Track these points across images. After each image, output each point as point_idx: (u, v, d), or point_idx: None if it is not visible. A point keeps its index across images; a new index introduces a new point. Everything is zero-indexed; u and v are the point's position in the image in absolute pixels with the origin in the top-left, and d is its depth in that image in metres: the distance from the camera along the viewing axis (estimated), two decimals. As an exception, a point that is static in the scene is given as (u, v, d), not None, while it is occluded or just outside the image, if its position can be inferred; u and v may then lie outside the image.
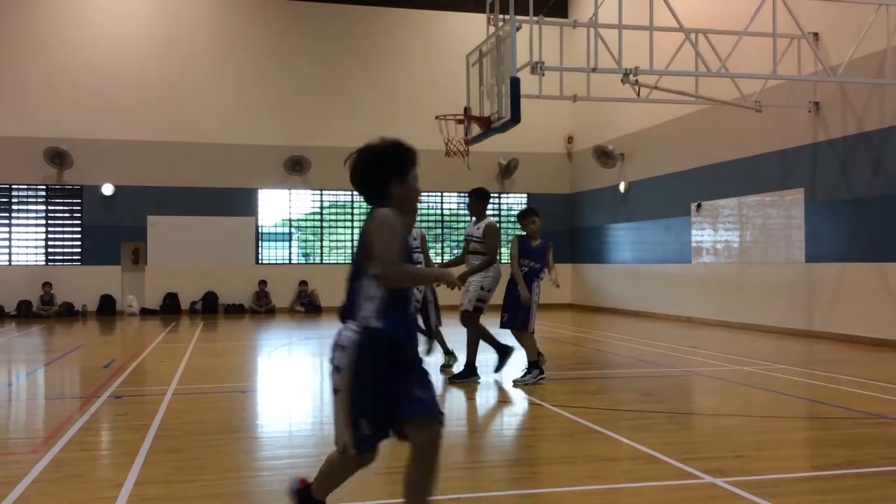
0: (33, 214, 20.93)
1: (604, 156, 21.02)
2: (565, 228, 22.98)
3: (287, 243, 22.75)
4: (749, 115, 14.69)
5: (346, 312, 3.59)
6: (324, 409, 7.94)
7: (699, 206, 17.56)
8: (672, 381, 9.37)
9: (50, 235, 20.93)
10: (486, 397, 8.45)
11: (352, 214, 22.81)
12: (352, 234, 22.71)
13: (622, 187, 20.74)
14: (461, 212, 23.97)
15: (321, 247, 22.85)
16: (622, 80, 12.60)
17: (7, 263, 20.57)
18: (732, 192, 16.40)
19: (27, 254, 20.80)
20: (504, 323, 8.67)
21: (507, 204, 24.03)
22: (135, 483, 4.87)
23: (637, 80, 12.86)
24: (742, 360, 10.73)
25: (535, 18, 12.21)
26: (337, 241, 22.94)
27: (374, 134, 16.58)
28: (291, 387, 9.32)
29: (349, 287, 3.62)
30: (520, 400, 8.12)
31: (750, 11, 12.95)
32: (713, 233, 17.18)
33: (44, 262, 20.75)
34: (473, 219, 8.92)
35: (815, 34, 13.70)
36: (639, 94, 13.73)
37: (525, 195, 23.67)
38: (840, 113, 13.60)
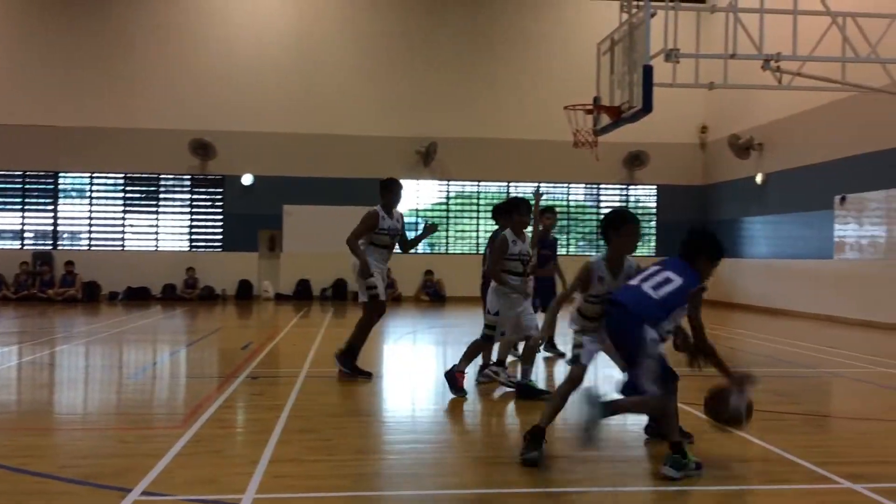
0: (179, 203, 22.18)
1: (739, 146, 20.23)
2: (698, 221, 22.27)
3: (414, 233, 23.06)
4: (901, 102, 13.77)
5: None
6: (446, 396, 8.04)
7: (843, 199, 16.62)
8: (810, 383, 8.94)
9: (194, 223, 22.14)
10: (611, 391, 8.32)
11: (477, 205, 22.92)
12: (477, 224, 22.81)
13: (759, 179, 19.90)
14: (588, 203, 23.67)
15: (447, 237, 23.09)
16: (762, 67, 12.06)
17: (154, 249, 21.89)
18: (880, 185, 15.44)
19: (173, 240, 22.07)
20: None
21: (636, 196, 23.52)
22: (269, 460, 5.09)
23: (779, 67, 12.27)
24: (888, 361, 10.10)
25: (670, 4, 11.86)
26: (463, 230, 23.11)
27: (503, 124, 16.76)
28: (416, 374, 9.48)
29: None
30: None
31: (904, -9, 12.13)
32: (858, 227, 16.23)
33: (188, 248, 21.95)
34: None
35: (979, 14, 12.67)
36: (780, 82, 13.10)
37: (654, 187, 23.14)
38: None
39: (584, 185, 23.24)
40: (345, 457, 5.30)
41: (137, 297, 20.62)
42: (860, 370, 9.56)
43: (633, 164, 22.52)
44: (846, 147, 16.50)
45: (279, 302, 20.83)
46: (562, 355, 10.05)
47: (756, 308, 19.57)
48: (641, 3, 11.47)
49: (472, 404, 7.64)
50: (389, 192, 8.72)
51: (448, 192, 23.00)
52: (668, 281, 5.05)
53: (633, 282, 5.16)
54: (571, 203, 23.46)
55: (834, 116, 16.83)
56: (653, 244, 23.49)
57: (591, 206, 23.72)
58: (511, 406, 7.49)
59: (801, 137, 18.26)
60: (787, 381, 8.97)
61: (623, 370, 5.17)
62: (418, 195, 22.83)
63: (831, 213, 17.00)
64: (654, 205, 23.47)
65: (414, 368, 10.02)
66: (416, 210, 22.98)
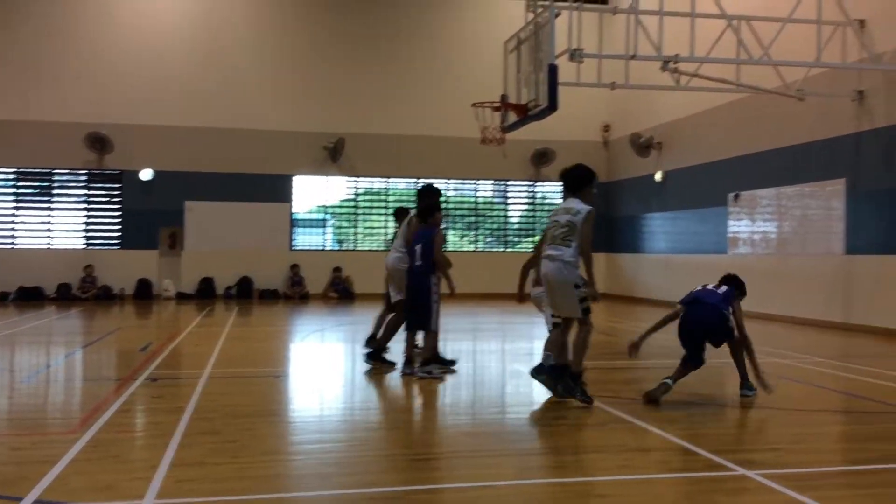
0: (74, 199, 21.31)
1: (640, 144, 20.83)
2: (600, 217, 22.79)
3: (322, 230, 22.91)
4: (791, 103, 14.43)
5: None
6: (354, 395, 8.01)
7: (737, 196, 17.32)
8: (706, 373, 9.25)
9: (90, 219, 21.31)
10: (516, 386, 8.44)
11: (386, 202, 22.85)
12: (385, 221, 22.74)
13: (659, 176, 20.53)
14: (495, 199, 23.90)
15: (355, 233, 22.96)
16: (661, 68, 12.45)
17: (48, 247, 20.98)
18: (771, 183, 16.15)
19: (67, 237, 21.19)
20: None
21: (542, 193, 23.92)
22: (170, 464, 4.94)
23: (677, 68, 12.69)
24: (778, 352, 10.57)
25: (574, 5, 12.10)
26: (371, 227, 23.01)
27: (411, 121, 16.84)
28: (324, 372, 9.39)
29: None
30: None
31: (793, -2, 12.72)
32: (751, 223, 16.94)
33: (83, 246, 21.12)
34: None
35: (861, 21, 13.41)
36: (678, 82, 13.55)
37: (560, 184, 23.53)
38: (885, 102, 13.31)
39: (492, 182, 23.46)
40: (250, 458, 5.20)
41: (30, 298, 19.71)
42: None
43: (540, 162, 22.87)
44: (740, 146, 17.19)
45: (181, 301, 20.29)
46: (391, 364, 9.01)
47: (656, 302, 20.17)
48: (546, 3, 11.66)
49: (380, 402, 7.62)
50: (434, 199, 8.98)
51: (357, 188, 22.86)
52: (719, 287, 7.55)
53: (701, 289, 7.75)
54: (479, 200, 23.67)
55: (729, 117, 17.51)
56: (558, 240, 23.88)
57: (498, 203, 23.99)
58: (419, 402, 7.51)
59: (697, 137, 18.92)
60: (686, 373, 9.27)
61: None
62: (326, 191, 22.62)
63: (726, 210, 17.69)
64: (560, 202, 23.90)
65: (322, 367, 9.92)
66: (325, 207, 22.77)
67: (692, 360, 7.21)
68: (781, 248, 15.95)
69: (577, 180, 7.36)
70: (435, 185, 9.35)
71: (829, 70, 13.75)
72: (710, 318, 7.19)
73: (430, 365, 8.41)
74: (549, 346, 7.40)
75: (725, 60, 13.06)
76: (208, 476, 4.76)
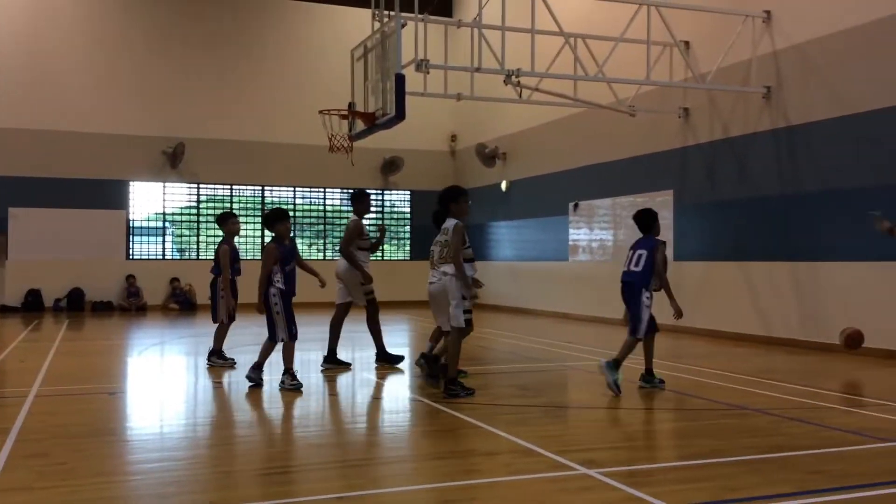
0: None
1: (486, 155, 21.34)
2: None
3: (160, 238, 21.95)
4: (624, 118, 15.23)
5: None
6: (197, 410, 7.73)
7: (576, 205, 18.07)
8: (549, 376, 9.61)
9: None
10: (365, 394, 8.42)
11: (231, 210, 22.20)
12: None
13: (503, 186, 21.10)
14: (344, 208, 23.77)
15: (197, 242, 22.18)
16: (504, 81, 12.81)
17: None
18: (607, 193, 16.98)
19: None
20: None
21: (391, 201, 24.02)
22: (-8, 491, 4.58)
23: (519, 82, 13.09)
24: (613, 354, 11.09)
25: (420, 16, 12.23)
26: (215, 236, 22.28)
27: (256, 127, 16.58)
28: (163, 388, 9.00)
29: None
30: (400, 396, 8.14)
31: (627, 19, 13.43)
32: (589, 232, 17.73)
33: None
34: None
35: (686, 43, 14.35)
36: (520, 96, 13.99)
37: (408, 192, 23.75)
38: (708, 119, 14.31)
39: (340, 190, 23.32)
40: (82, 481, 4.90)
41: None
42: (592, 363, 10.41)
43: (389, 170, 22.97)
44: (579, 158, 17.97)
45: (5, 315, 18.86)
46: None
47: (503, 308, 20.72)
48: (392, 13, 11.73)
49: (225, 416, 7.39)
50: (363, 201, 9.98)
51: (199, 195, 22.10)
52: (640, 256, 8.25)
53: (626, 267, 8.41)
54: (328, 208, 23.45)
55: (568, 130, 18.26)
56: (408, 248, 24.10)
57: (347, 211, 23.82)
58: (267, 415, 7.34)
59: (540, 148, 19.61)
60: (529, 376, 9.59)
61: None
62: (164, 198, 21.71)
63: (566, 219, 18.43)
64: (409, 210, 24.12)
65: (162, 382, 9.50)
66: (163, 214, 21.85)
67: (633, 333, 8.23)
68: (617, 254, 16.76)
69: (442, 199, 8.15)
70: (365, 190, 10.33)
71: (658, 88, 14.63)
72: (627, 298, 8.38)
73: (287, 374, 8.22)
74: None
75: (564, 76, 13.60)
76: (36, 501, 4.44)
